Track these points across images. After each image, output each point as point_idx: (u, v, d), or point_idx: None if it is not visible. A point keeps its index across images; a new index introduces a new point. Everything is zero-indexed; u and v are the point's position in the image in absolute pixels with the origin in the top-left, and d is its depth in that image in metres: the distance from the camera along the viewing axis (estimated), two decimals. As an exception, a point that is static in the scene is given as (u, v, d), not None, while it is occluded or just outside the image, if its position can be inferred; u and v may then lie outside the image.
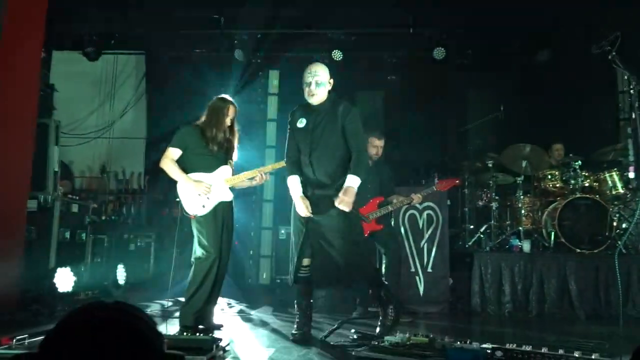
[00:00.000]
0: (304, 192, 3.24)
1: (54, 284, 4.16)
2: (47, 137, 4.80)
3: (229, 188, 3.60)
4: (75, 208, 5.20)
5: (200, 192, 3.46)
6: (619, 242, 4.54)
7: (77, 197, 5.55)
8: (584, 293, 4.68)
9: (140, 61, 7.62)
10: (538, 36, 6.50)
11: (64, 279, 4.29)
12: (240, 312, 4.67)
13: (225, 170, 3.62)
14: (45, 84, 5.19)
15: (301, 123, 3.28)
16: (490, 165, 5.59)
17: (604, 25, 5.81)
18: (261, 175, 3.63)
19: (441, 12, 6.35)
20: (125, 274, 5.20)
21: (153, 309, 4.58)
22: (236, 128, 3.76)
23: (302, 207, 3.17)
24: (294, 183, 3.26)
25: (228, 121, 3.68)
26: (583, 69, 6.33)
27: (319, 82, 3.22)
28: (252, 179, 3.67)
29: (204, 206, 3.49)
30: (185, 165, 3.55)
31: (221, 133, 3.61)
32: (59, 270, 4.27)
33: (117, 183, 6.87)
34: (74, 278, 4.36)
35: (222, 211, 3.55)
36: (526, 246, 5.10)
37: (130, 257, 5.77)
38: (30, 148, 4.31)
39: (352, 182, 3.11)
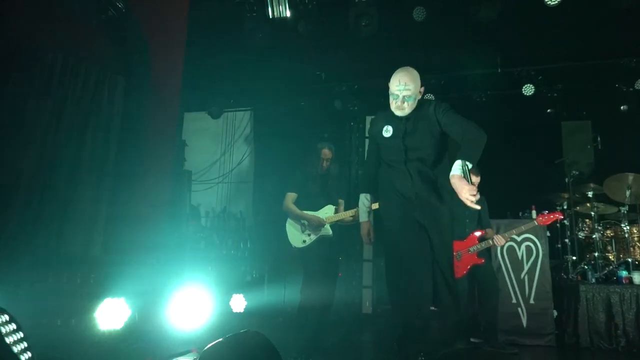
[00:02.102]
0: (400, 197, 2.72)
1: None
2: (183, 185, 5.32)
3: (330, 225, 3.83)
4: (202, 244, 5.64)
5: (315, 223, 3.76)
6: None
7: (202, 235, 6.02)
8: None
9: (248, 117, 8.23)
10: (633, 64, 6.04)
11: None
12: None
13: (329, 209, 3.87)
14: (179, 140, 5.77)
15: (387, 132, 2.79)
16: (590, 195, 5.20)
17: None
18: (356, 212, 3.77)
19: (529, 51, 6.19)
20: (245, 302, 5.45)
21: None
22: (336, 169, 4.02)
23: (365, 233, 2.85)
24: (365, 203, 2.88)
25: (325, 163, 3.92)
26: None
27: (407, 97, 2.69)
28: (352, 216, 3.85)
29: (304, 241, 3.76)
30: (298, 204, 3.89)
31: (320, 175, 3.91)
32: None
33: (236, 221, 7.34)
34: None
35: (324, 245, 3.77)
36: (637, 278, 4.61)
37: (248, 286, 6.07)
38: (167, 194, 4.82)
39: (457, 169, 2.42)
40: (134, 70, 4.82)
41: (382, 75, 6.64)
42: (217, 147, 7.96)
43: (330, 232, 3.83)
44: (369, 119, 7.37)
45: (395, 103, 2.71)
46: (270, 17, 5.47)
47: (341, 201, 4.03)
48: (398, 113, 2.74)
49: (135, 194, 4.58)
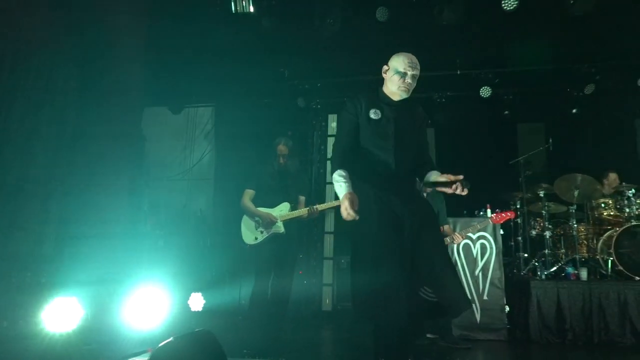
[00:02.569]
0: (378, 187, 2.47)
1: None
2: (141, 180, 5.18)
3: (283, 222, 3.80)
4: (161, 242, 5.51)
5: (267, 220, 3.72)
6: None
7: (162, 232, 5.89)
8: (646, 322, 4.35)
9: (210, 113, 8.08)
10: (584, 70, 6.32)
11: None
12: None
13: (284, 207, 3.84)
14: (138, 136, 5.62)
15: (375, 115, 2.54)
16: (542, 195, 5.42)
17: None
18: (311, 210, 3.79)
19: (487, 54, 6.37)
20: (204, 301, 5.35)
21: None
22: (294, 165, 3.98)
23: (348, 206, 2.31)
24: (345, 177, 2.42)
25: (281, 159, 3.88)
26: (633, 98, 6.10)
27: (416, 76, 2.57)
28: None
29: (256, 238, 3.73)
30: (256, 201, 3.85)
31: (276, 172, 3.87)
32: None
33: (196, 219, 7.20)
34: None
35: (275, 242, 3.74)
36: (583, 274, 4.85)
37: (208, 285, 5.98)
38: (125, 190, 4.69)
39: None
40: (90, 61, 4.66)
41: (345, 74, 6.78)
42: (178, 143, 7.79)
43: (283, 229, 3.77)
44: (331, 117, 7.41)
45: (403, 82, 2.53)
46: (234, 12, 5.40)
47: (302, 198, 3.99)
48: (401, 94, 2.57)
49: (90, 188, 4.44)
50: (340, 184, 2.40)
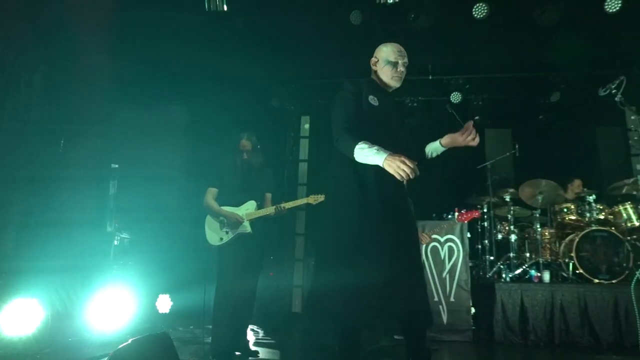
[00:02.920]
0: (371, 189, 2.28)
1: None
2: (107, 179, 5.04)
3: (250, 222, 3.65)
4: (127, 243, 5.37)
5: (233, 220, 3.58)
6: (637, 273, 4.39)
7: (129, 234, 5.72)
8: (604, 323, 4.51)
9: (183, 111, 7.95)
10: (550, 78, 6.52)
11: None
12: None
13: (250, 205, 3.67)
14: (106, 133, 5.47)
15: (374, 101, 2.45)
16: (507, 199, 5.55)
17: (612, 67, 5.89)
18: (278, 208, 3.67)
19: (459, 61, 6.48)
20: (171, 302, 5.27)
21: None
22: (258, 160, 3.76)
23: (403, 159, 2.06)
24: (370, 145, 2.19)
25: (245, 155, 3.70)
26: (594, 107, 6.32)
27: (406, 64, 2.56)
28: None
29: (222, 239, 3.60)
30: (220, 200, 3.72)
31: (240, 168, 3.69)
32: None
33: (165, 218, 7.06)
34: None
35: (241, 242, 3.60)
36: (546, 276, 5.00)
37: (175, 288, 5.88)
38: (91, 189, 4.56)
39: None
40: (57, 57, 4.52)
41: (319, 76, 6.78)
42: (148, 141, 7.62)
43: (249, 229, 3.62)
44: (304, 118, 7.40)
45: (395, 71, 2.51)
46: (207, 10, 5.33)
47: (268, 195, 3.82)
48: (393, 84, 2.54)
49: (54, 187, 4.30)
50: (372, 152, 2.16)
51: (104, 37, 4.78)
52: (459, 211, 5.17)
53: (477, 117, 7.04)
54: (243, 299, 3.55)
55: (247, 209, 3.66)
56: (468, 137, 2.42)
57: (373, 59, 2.59)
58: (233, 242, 3.61)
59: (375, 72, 2.58)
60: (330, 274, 2.22)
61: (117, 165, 5.26)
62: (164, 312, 4.35)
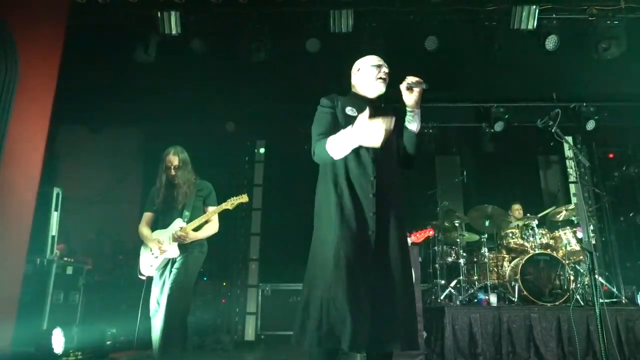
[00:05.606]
0: (351, 191, 2.22)
1: (51, 344, 4.01)
2: (49, 203, 4.78)
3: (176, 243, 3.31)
4: (70, 270, 5.07)
5: (155, 249, 3.33)
6: (576, 295, 4.59)
7: (72, 260, 5.43)
8: (548, 344, 4.64)
9: (139, 133, 7.75)
10: (494, 109, 6.84)
11: (57, 340, 4.12)
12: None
13: (175, 224, 3.36)
14: (50, 155, 5.22)
15: (352, 112, 2.35)
16: (457, 224, 5.70)
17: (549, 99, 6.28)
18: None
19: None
20: (64, 339, 4.70)
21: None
22: (185, 176, 3.43)
23: (379, 124, 2.03)
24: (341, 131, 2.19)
25: (172, 171, 3.42)
26: (534, 137, 6.68)
27: (387, 72, 2.47)
28: (199, 227, 3.37)
29: (151, 265, 3.38)
30: (156, 224, 3.49)
31: (164, 186, 3.43)
32: (54, 331, 4.11)
33: (113, 245, 6.76)
34: (64, 339, 4.19)
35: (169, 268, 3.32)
36: (493, 299, 5.12)
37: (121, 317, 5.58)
38: (30, 214, 4.29)
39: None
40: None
41: (274, 100, 6.79)
42: (98, 164, 7.33)
43: (175, 252, 3.28)
44: (259, 142, 7.37)
45: (378, 74, 2.42)
46: (161, 32, 5.26)
47: (210, 209, 3.48)
48: (378, 87, 2.43)
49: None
50: (341, 135, 2.15)
51: (49, 54, 4.59)
52: (411, 236, 5.25)
53: (431, 145, 7.25)
54: (174, 328, 3.18)
55: (173, 230, 3.34)
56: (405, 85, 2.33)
57: (354, 69, 2.52)
58: (162, 267, 3.35)
59: (356, 83, 2.50)
60: (311, 295, 2.16)
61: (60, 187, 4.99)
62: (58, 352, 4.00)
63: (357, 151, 2.25)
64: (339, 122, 2.33)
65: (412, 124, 2.43)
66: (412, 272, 2.26)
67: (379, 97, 2.48)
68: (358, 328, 2.03)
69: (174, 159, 3.44)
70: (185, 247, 3.35)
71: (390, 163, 2.38)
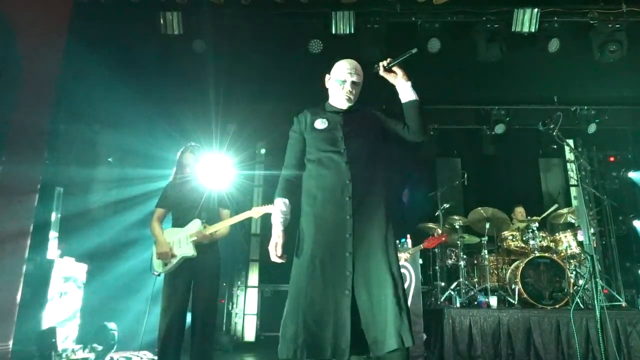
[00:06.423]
0: (325, 203, 2.24)
1: (51, 342, 4.02)
2: (50, 203, 4.79)
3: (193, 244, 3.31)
4: (70, 270, 5.07)
5: (162, 256, 3.30)
6: (576, 298, 4.59)
7: (73, 259, 5.43)
8: (548, 346, 4.65)
9: (140, 133, 7.74)
10: (495, 112, 6.85)
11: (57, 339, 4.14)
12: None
13: (194, 225, 3.35)
14: (51, 153, 5.22)
15: (322, 124, 2.37)
16: (457, 226, 5.70)
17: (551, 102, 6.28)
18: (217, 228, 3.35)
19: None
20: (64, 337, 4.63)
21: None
22: (203, 174, 3.46)
23: (274, 246, 2.23)
24: (282, 210, 2.30)
25: (188, 170, 3.44)
26: (534, 140, 6.68)
27: (357, 82, 2.41)
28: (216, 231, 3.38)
29: (165, 264, 3.33)
30: (170, 221, 3.49)
31: (183, 184, 3.42)
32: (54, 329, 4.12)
33: (113, 244, 6.74)
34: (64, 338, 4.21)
35: (187, 267, 3.32)
36: (493, 302, 5.11)
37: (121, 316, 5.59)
38: (31, 213, 4.31)
39: None
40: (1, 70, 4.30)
41: (275, 101, 6.79)
42: (99, 163, 7.33)
43: (192, 252, 3.28)
44: (260, 144, 7.37)
45: (343, 89, 2.38)
46: (163, 33, 5.28)
47: (224, 212, 3.52)
48: (343, 103, 2.41)
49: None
50: (275, 217, 2.29)
51: (50, 54, 4.61)
52: (412, 238, 5.25)
53: (430, 147, 7.25)
54: (202, 329, 3.27)
55: (190, 230, 3.35)
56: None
57: (327, 76, 2.50)
58: (179, 267, 3.33)
59: (329, 91, 2.50)
60: (289, 304, 2.19)
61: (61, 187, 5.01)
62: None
63: (329, 157, 2.29)
64: (304, 146, 2.38)
65: (409, 95, 2.39)
66: (398, 270, 2.21)
67: (350, 107, 2.44)
68: (339, 334, 2.05)
69: (190, 158, 3.44)
70: (202, 246, 3.37)
71: (370, 164, 2.34)
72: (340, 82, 2.39)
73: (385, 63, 2.37)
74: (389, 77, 2.41)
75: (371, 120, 2.45)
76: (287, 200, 2.32)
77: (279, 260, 2.24)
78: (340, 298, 2.10)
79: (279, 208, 2.30)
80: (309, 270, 2.16)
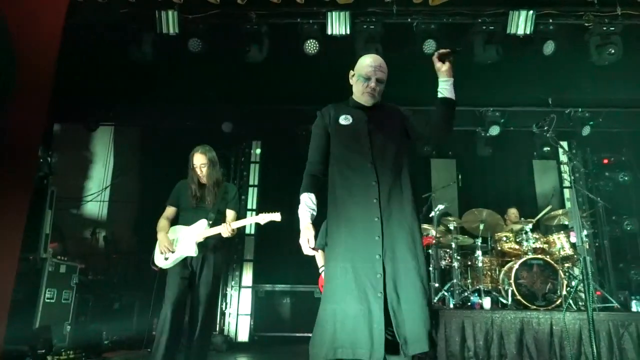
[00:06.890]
0: (353, 202, 2.23)
1: (44, 342, 4.01)
2: (43, 201, 4.76)
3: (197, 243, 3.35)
4: (63, 269, 5.06)
5: (161, 249, 3.38)
6: (569, 300, 4.61)
7: (66, 258, 5.41)
8: (540, 348, 4.66)
9: (135, 132, 7.73)
10: (489, 113, 6.87)
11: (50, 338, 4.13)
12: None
13: (200, 225, 3.39)
14: (45, 152, 5.20)
15: (346, 120, 2.36)
16: (451, 228, 5.71)
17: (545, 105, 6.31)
18: (227, 228, 3.32)
19: (405, 92, 6.70)
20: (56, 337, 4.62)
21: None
22: (214, 176, 3.49)
23: (306, 240, 2.20)
24: (309, 204, 2.28)
25: (199, 170, 3.46)
26: (528, 142, 6.70)
27: (380, 80, 2.38)
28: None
29: (166, 259, 3.38)
30: (178, 219, 3.55)
31: (194, 185, 3.45)
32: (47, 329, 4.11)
33: (107, 244, 6.73)
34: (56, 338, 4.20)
35: (191, 265, 3.38)
36: (486, 303, 5.12)
37: (114, 316, 5.58)
38: (24, 212, 4.27)
39: None
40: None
41: (270, 101, 6.80)
42: (93, 162, 7.31)
43: (193, 252, 3.31)
44: (255, 143, 7.37)
45: (367, 86, 2.35)
46: (159, 32, 5.26)
47: (230, 213, 3.52)
48: (366, 99, 2.39)
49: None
50: (302, 211, 2.27)
51: (45, 51, 4.58)
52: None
53: (426, 149, 7.26)
54: (200, 327, 3.31)
55: (197, 229, 3.38)
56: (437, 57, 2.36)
57: (351, 72, 2.47)
58: (179, 264, 3.36)
59: (353, 88, 2.47)
60: (324, 306, 2.19)
61: (54, 185, 4.98)
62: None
63: (353, 159, 2.28)
64: (328, 141, 2.38)
65: (447, 92, 2.35)
66: (425, 271, 2.23)
67: (375, 104, 2.42)
68: (374, 335, 2.06)
69: (201, 158, 3.45)
70: (205, 246, 3.41)
71: (395, 163, 2.32)
72: (364, 79, 2.37)
73: (444, 51, 2.35)
74: (438, 65, 2.37)
75: (395, 117, 2.43)
76: (313, 196, 2.31)
77: (312, 253, 2.24)
78: (374, 300, 2.11)
79: (305, 203, 2.29)
80: (341, 274, 2.16)
